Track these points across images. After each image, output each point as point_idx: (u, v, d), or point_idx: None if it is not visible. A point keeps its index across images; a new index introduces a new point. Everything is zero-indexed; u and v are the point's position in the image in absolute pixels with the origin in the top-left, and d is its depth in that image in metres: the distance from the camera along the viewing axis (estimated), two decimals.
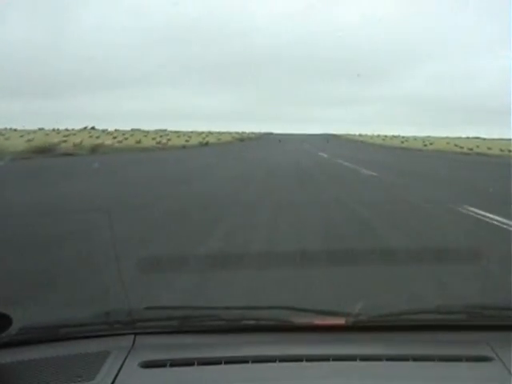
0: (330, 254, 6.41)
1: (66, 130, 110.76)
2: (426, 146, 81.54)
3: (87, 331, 1.85)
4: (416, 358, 1.70)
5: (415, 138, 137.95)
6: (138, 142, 63.52)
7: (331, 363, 1.66)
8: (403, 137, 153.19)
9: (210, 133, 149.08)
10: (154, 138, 75.47)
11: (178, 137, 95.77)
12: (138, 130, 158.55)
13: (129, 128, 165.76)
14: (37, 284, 5.09)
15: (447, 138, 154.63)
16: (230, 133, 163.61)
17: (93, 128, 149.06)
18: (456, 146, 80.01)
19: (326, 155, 43.77)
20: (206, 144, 65.47)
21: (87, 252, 6.33)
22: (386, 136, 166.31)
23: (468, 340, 1.85)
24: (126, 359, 1.67)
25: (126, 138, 76.28)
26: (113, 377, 1.57)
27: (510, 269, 5.32)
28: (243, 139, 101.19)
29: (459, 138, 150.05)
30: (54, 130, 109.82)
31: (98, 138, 75.60)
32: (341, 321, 1.86)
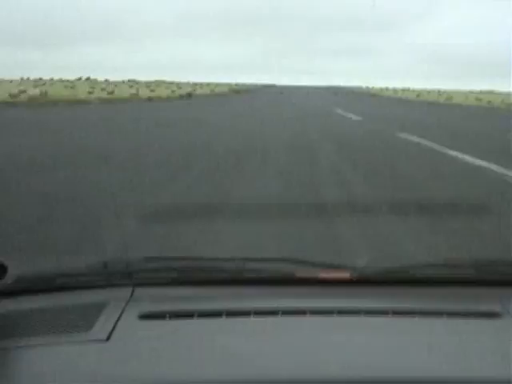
0: (333, 207, 6.15)
1: (40, 79, 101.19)
2: (448, 99, 71.57)
3: (84, 282, 1.81)
4: (422, 313, 1.66)
5: (428, 92, 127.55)
6: (111, 93, 55.65)
7: (335, 317, 1.63)
8: (413, 90, 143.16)
9: (208, 84, 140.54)
10: (131, 87, 67.26)
11: (167, 88, 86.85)
12: (134, 80, 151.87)
13: (126, 79, 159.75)
14: (33, 233, 4.96)
15: (458, 91, 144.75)
16: (229, 84, 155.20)
17: (87, 79, 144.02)
18: (478, 99, 70.43)
19: (352, 115, 26.47)
20: (189, 96, 56.13)
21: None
22: (395, 89, 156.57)
23: (477, 295, 1.79)
24: (124, 310, 1.63)
25: (103, 89, 67.58)
26: (111, 327, 1.52)
27: None
28: (239, 91, 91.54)
29: (472, 91, 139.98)
30: (22, 78, 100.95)
31: (72, 88, 68.06)
32: (346, 274, 1.80)
